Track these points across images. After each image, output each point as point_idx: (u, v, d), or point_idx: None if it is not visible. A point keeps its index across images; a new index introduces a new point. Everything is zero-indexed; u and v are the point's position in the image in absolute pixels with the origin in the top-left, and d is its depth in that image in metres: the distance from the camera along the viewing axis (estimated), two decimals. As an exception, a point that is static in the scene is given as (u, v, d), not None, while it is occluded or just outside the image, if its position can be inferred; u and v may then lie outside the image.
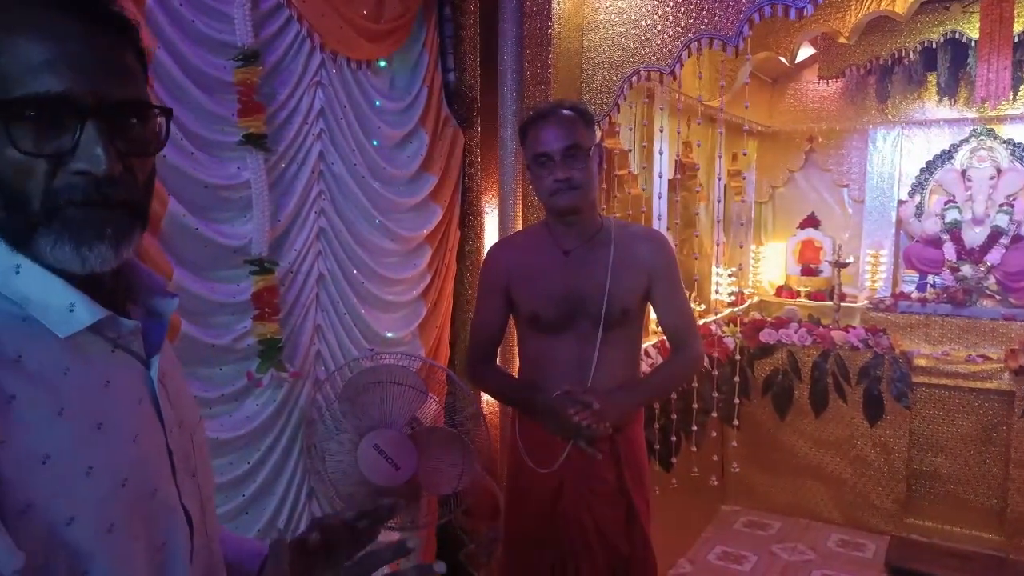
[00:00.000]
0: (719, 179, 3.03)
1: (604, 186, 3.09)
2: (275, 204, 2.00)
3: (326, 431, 1.94)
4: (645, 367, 2.58)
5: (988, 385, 3.49)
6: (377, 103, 2.34)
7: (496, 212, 2.65)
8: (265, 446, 2.02)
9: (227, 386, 1.93)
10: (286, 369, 2.02)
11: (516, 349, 2.22)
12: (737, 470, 3.43)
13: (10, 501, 0.58)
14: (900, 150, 4.38)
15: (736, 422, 3.11)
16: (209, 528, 0.80)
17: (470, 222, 2.73)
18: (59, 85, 0.64)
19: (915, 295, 4.15)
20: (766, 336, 3.81)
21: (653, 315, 1.93)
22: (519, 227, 2.53)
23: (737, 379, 3.06)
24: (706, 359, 2.58)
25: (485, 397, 2.59)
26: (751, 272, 4.71)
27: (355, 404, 1.86)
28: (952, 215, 4.15)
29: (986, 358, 3.58)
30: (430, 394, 1.89)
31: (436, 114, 2.53)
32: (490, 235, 2.68)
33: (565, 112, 1.73)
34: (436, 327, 2.57)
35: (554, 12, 2.54)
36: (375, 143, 2.33)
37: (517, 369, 2.12)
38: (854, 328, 3.79)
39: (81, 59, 0.65)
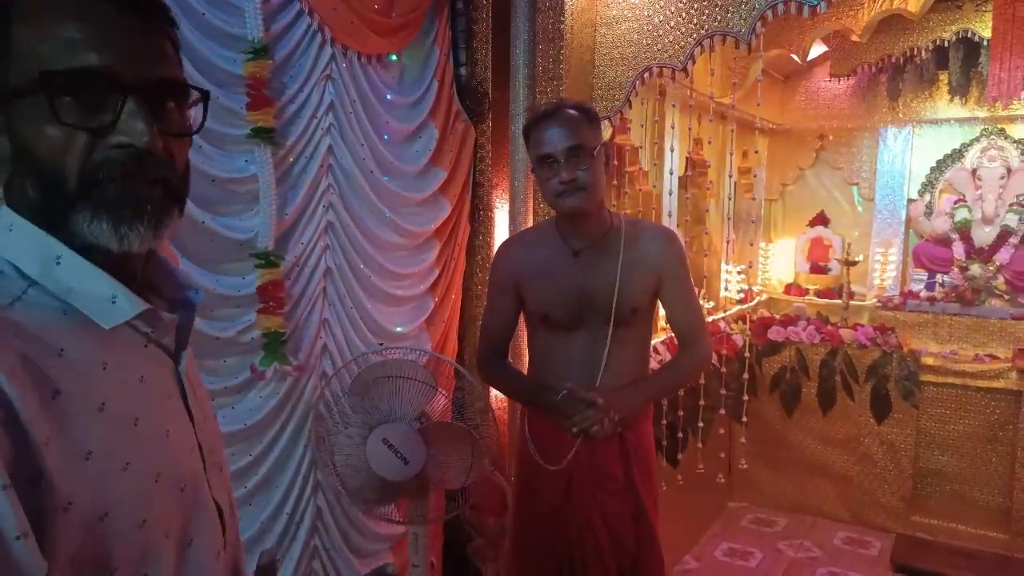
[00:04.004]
0: (729, 176, 3.02)
1: (615, 183, 3.09)
2: (283, 198, 2.01)
3: (335, 425, 1.95)
4: (654, 363, 2.59)
5: (996, 384, 3.48)
6: (387, 97, 2.34)
7: (506, 207, 2.65)
8: (268, 439, 2.04)
9: (230, 379, 1.94)
10: (290, 363, 2.03)
11: (526, 345, 2.22)
12: (745, 467, 3.43)
13: (55, 498, 0.58)
14: (911, 149, 4.36)
15: (745, 419, 3.11)
16: (234, 522, 0.81)
17: (480, 217, 2.73)
18: (99, 60, 0.64)
19: (924, 294, 4.13)
20: (774, 334, 3.81)
21: (662, 311, 1.93)
22: (529, 222, 2.53)
23: (746, 376, 3.06)
24: (714, 356, 2.59)
25: (493, 392, 2.60)
26: (760, 269, 4.70)
27: (364, 398, 1.86)
28: (962, 214, 4.14)
29: (994, 357, 3.57)
30: (439, 389, 1.89)
31: (447, 109, 2.53)
32: (500, 230, 2.69)
33: (569, 112, 1.69)
34: (444, 322, 2.58)
35: (567, 7, 2.53)
36: (385, 137, 2.33)
37: (527, 365, 2.13)
38: (862, 326, 3.78)
39: (120, 40, 0.65)
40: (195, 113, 0.73)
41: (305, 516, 2.16)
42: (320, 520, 2.21)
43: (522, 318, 1.96)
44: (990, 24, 3.47)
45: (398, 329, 2.40)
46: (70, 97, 0.63)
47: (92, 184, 0.65)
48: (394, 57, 2.39)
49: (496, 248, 2.11)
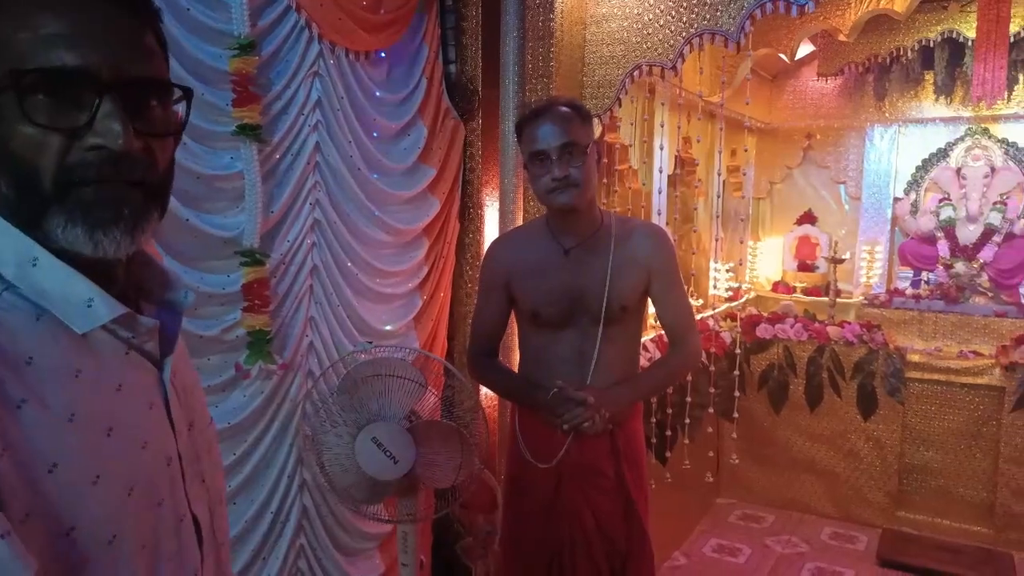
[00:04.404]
0: (718, 174, 3.03)
1: (604, 181, 3.09)
2: (269, 195, 1.99)
3: (323, 424, 1.95)
4: (643, 361, 2.59)
5: (979, 381, 3.53)
6: (376, 94, 2.33)
7: (497, 205, 2.65)
8: (253, 437, 2.03)
9: (215, 377, 1.93)
10: (275, 361, 2.02)
11: (516, 343, 2.22)
12: (736, 461, 3.46)
13: (9, 511, 0.55)
14: (897, 148, 4.40)
15: (736, 414, 3.13)
16: (218, 534, 0.77)
17: (470, 215, 2.72)
18: (76, 59, 0.61)
19: (909, 291, 4.17)
20: (762, 331, 3.83)
21: (651, 309, 1.94)
22: (520, 220, 2.53)
23: (737, 373, 3.07)
24: (703, 354, 2.59)
25: (483, 390, 2.60)
26: (748, 267, 4.73)
27: (353, 397, 1.86)
28: (946, 212, 4.19)
29: (978, 354, 3.61)
30: (429, 387, 1.89)
31: (435, 106, 2.52)
32: (490, 228, 2.68)
33: (562, 109, 1.70)
34: (432, 319, 2.57)
35: (556, 5, 2.53)
36: (375, 135, 2.32)
37: (518, 363, 2.13)
38: (849, 324, 3.81)
39: (100, 35, 0.63)
40: (180, 109, 0.71)
41: (291, 515, 2.15)
42: (306, 519, 2.20)
43: (513, 316, 1.96)
44: (975, 24, 3.51)
45: (386, 327, 2.39)
46: (44, 96, 0.61)
47: (67, 187, 0.62)
48: (382, 54, 2.38)
49: (486, 246, 2.11)
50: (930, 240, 4.24)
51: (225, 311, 1.93)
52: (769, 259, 4.85)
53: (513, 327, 2.25)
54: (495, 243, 2.00)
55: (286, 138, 2.03)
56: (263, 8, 1.95)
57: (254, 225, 1.92)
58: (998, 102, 3.71)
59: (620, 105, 2.67)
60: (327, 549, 2.25)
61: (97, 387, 0.64)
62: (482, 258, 2.08)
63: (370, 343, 2.28)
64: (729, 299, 4.20)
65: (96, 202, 0.63)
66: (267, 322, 1.98)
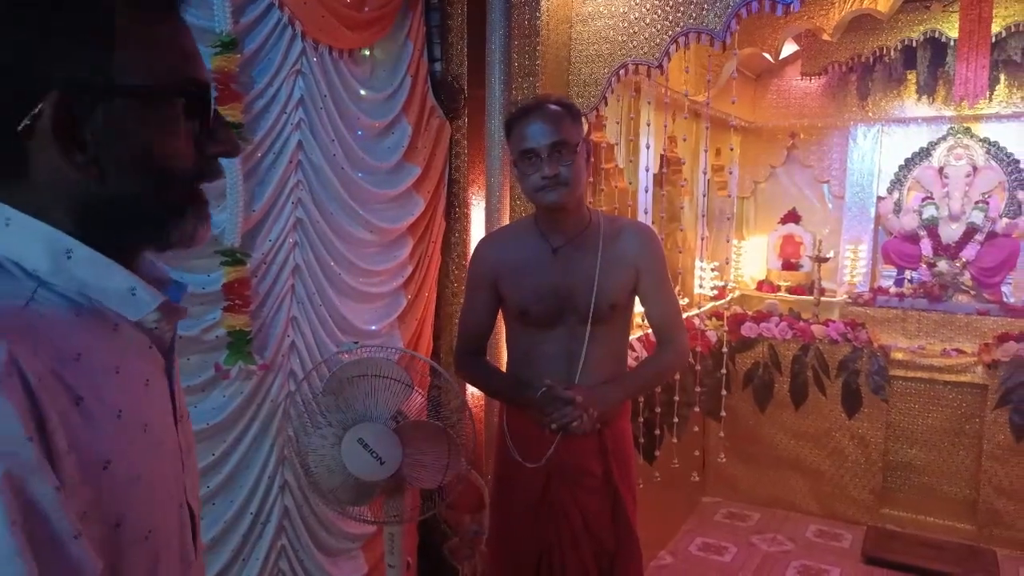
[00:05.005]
0: (703, 173, 3.03)
1: (591, 180, 3.09)
2: (250, 194, 1.97)
3: (309, 425, 1.92)
4: (630, 360, 2.59)
5: (962, 378, 3.56)
6: (361, 92, 2.31)
7: (483, 204, 2.63)
8: (232, 438, 2.01)
9: (194, 377, 1.92)
10: (255, 361, 2.00)
11: (504, 341, 2.21)
12: (723, 460, 3.46)
13: (71, 508, 0.55)
14: (880, 147, 4.43)
15: (723, 413, 3.14)
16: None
17: (456, 214, 2.71)
18: (204, 73, 0.68)
19: (893, 290, 4.21)
20: (747, 330, 3.85)
21: (638, 308, 1.93)
22: (506, 220, 2.52)
23: (724, 371, 3.08)
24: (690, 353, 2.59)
25: (470, 390, 2.58)
26: (733, 266, 4.74)
27: (339, 398, 1.84)
28: (929, 211, 4.22)
29: (960, 352, 3.64)
30: (415, 387, 1.87)
31: (420, 104, 2.51)
32: (476, 227, 2.67)
33: (551, 107, 1.69)
34: (417, 319, 2.56)
35: (542, 3, 2.52)
36: (359, 133, 2.30)
37: (505, 362, 2.12)
38: (833, 322, 3.83)
39: (196, 50, 0.69)
40: None
41: (272, 516, 2.13)
42: (287, 520, 2.18)
43: (501, 315, 1.95)
44: (957, 25, 3.54)
45: (370, 327, 2.37)
46: (183, 107, 0.65)
47: (196, 189, 0.69)
48: (366, 52, 2.36)
49: (472, 245, 2.10)
50: (913, 239, 4.27)
51: (205, 310, 1.91)
52: (754, 258, 4.87)
53: (501, 326, 2.24)
54: (483, 241, 1.99)
55: (268, 136, 2.01)
56: (245, 5, 1.93)
57: (235, 224, 1.90)
58: (980, 102, 3.75)
59: (606, 104, 2.66)
60: (309, 550, 2.23)
61: (132, 383, 0.64)
62: (469, 257, 2.07)
63: (356, 343, 2.26)
64: (715, 298, 4.22)
65: (206, 200, 0.71)
66: (248, 322, 1.96)
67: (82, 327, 0.61)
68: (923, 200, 4.26)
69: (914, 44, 3.92)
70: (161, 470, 0.66)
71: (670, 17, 2.44)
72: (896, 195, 4.38)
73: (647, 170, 3.06)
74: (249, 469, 2.06)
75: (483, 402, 2.64)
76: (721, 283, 4.32)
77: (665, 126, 3.14)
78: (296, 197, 2.11)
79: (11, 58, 0.57)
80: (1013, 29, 3.59)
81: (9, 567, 0.49)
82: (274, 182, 2.03)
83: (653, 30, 2.48)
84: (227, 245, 1.91)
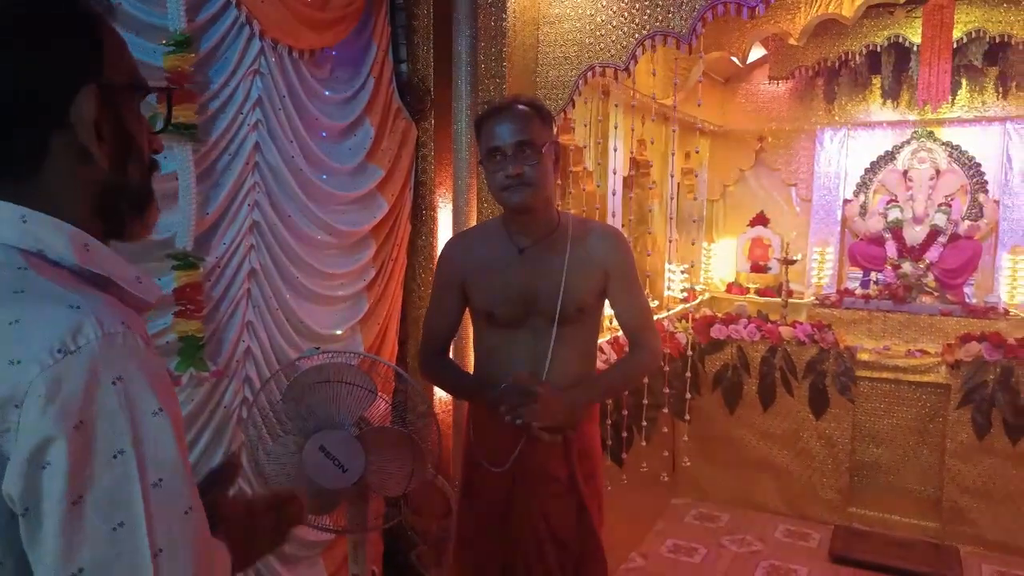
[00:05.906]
0: (672, 176, 3.04)
1: (559, 182, 3.08)
2: (204, 196, 1.93)
3: (267, 433, 1.88)
4: (600, 364, 2.58)
5: (926, 379, 3.61)
6: (326, 92, 2.27)
7: (450, 207, 2.61)
8: (183, 446, 1.96)
9: None
10: (208, 368, 1.96)
11: (471, 343, 2.19)
12: (688, 464, 3.47)
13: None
14: (846, 150, 4.49)
15: (688, 416, 3.14)
16: None
17: (423, 216, 2.68)
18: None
19: (859, 291, 4.26)
20: (716, 332, 3.87)
21: (608, 311, 1.93)
22: (473, 222, 2.50)
23: (689, 375, 3.08)
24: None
25: (438, 395, 2.55)
26: (702, 269, 4.77)
27: (300, 404, 1.80)
28: (894, 214, 4.28)
29: (924, 352, 3.70)
30: (379, 393, 1.84)
31: (384, 105, 2.47)
32: (443, 230, 2.64)
33: (520, 107, 1.70)
34: (379, 323, 2.52)
35: (509, 5, 2.51)
36: (323, 134, 2.26)
37: (472, 363, 2.10)
38: (801, 324, 3.87)
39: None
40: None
41: (224, 525, 2.08)
42: (242, 529, 2.13)
43: (468, 315, 1.93)
44: (920, 30, 3.59)
45: (329, 331, 2.33)
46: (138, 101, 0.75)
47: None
48: (332, 52, 2.32)
49: (439, 248, 2.07)
50: (878, 241, 4.33)
51: (156, 315, 1.86)
52: (723, 260, 4.90)
53: (468, 327, 2.21)
54: (450, 242, 1.97)
55: (223, 137, 1.97)
56: (201, 3, 1.88)
57: (188, 227, 1.85)
58: (942, 106, 3.82)
59: (574, 106, 2.66)
60: (265, 558, 2.18)
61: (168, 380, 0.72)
62: (436, 259, 2.05)
63: (316, 348, 2.22)
64: (684, 300, 4.23)
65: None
66: (200, 327, 1.92)
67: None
68: (888, 203, 4.33)
69: (879, 49, 3.97)
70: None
71: (637, 20, 2.44)
72: (862, 198, 4.44)
73: (616, 173, 3.06)
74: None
75: (451, 407, 2.61)
76: (690, 285, 4.34)
77: (633, 129, 3.14)
78: (252, 199, 2.07)
79: (38, 60, 0.67)
80: (974, 35, 3.65)
81: (176, 477, 0.63)
82: (229, 184, 1.99)
83: (620, 33, 2.47)
84: (179, 248, 1.86)
